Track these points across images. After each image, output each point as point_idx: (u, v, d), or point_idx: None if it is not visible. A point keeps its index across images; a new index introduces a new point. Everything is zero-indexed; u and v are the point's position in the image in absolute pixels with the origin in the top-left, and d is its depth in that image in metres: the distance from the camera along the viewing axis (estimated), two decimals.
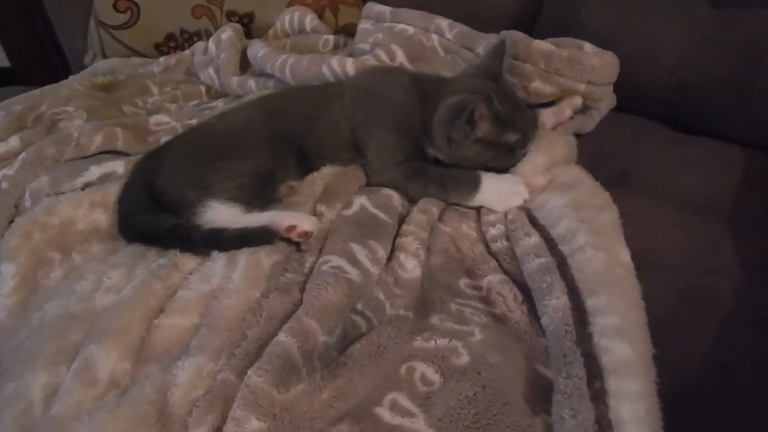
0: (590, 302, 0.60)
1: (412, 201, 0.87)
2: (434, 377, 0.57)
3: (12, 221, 0.90)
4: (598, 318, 0.58)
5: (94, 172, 0.99)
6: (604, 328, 0.57)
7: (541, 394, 0.57)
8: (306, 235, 0.76)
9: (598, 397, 0.53)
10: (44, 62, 2.07)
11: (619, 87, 1.04)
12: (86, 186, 0.95)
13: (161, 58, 1.54)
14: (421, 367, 0.58)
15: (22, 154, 1.04)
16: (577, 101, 1.00)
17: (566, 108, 0.99)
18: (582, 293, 0.61)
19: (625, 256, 0.67)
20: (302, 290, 0.68)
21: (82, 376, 0.61)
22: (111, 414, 0.55)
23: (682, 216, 0.85)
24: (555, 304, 0.61)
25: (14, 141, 1.10)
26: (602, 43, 1.03)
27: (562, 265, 0.67)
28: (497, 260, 0.75)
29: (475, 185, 0.84)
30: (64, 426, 0.56)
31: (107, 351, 0.63)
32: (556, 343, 0.58)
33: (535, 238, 0.72)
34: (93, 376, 0.61)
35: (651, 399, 0.52)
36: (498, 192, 0.83)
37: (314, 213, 0.82)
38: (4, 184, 0.99)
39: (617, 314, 0.58)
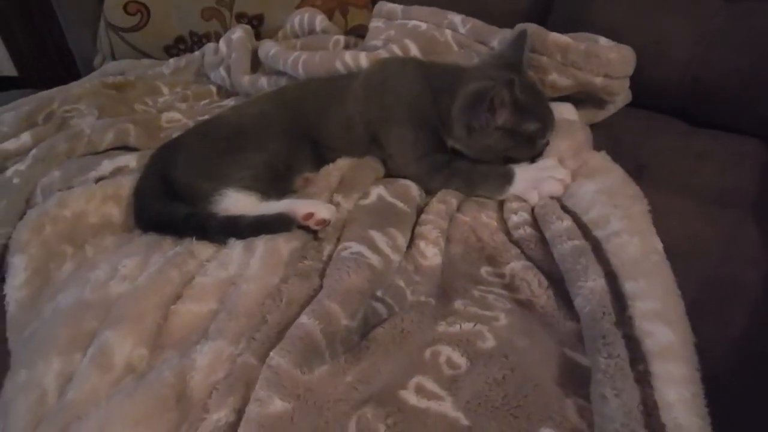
0: (628, 286, 0.58)
1: (430, 193, 0.86)
2: (460, 360, 0.56)
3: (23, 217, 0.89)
4: (637, 302, 0.56)
5: (107, 166, 0.99)
6: (644, 312, 0.55)
7: (571, 378, 0.55)
8: (323, 223, 0.75)
9: (641, 379, 0.51)
10: (51, 71, 2.08)
11: (631, 82, 1.03)
12: (99, 180, 0.95)
13: (171, 60, 1.54)
14: (447, 351, 0.57)
15: (34, 150, 1.04)
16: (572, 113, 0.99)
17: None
18: (619, 278, 0.60)
19: (658, 243, 0.65)
20: (322, 276, 0.66)
21: (98, 362, 0.59)
22: (129, 397, 0.54)
23: (701, 207, 0.84)
24: (591, 285, 0.59)
25: (26, 137, 1.10)
26: (613, 38, 1.02)
27: (596, 250, 0.66)
28: (520, 248, 0.73)
29: (507, 179, 0.82)
30: (79, 411, 0.55)
31: (123, 336, 0.61)
32: (593, 325, 0.56)
33: (567, 222, 0.70)
34: (109, 361, 0.59)
35: (696, 384, 0.50)
36: (533, 181, 0.81)
37: (331, 203, 0.80)
38: (16, 180, 0.99)
39: (657, 299, 0.56)
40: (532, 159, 0.87)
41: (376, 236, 0.71)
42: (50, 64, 2.11)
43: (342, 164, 0.88)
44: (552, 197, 0.79)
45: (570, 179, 0.80)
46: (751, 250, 0.75)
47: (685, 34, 1.08)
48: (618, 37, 1.02)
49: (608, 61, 0.95)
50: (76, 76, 1.82)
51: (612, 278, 0.61)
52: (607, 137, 1.00)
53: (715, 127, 1.05)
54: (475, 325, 0.59)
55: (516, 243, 0.74)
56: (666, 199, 0.84)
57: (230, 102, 1.33)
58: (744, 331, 0.63)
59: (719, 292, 0.68)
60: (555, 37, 0.96)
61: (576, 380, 0.54)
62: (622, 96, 1.04)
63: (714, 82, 1.05)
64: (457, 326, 0.59)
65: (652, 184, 0.88)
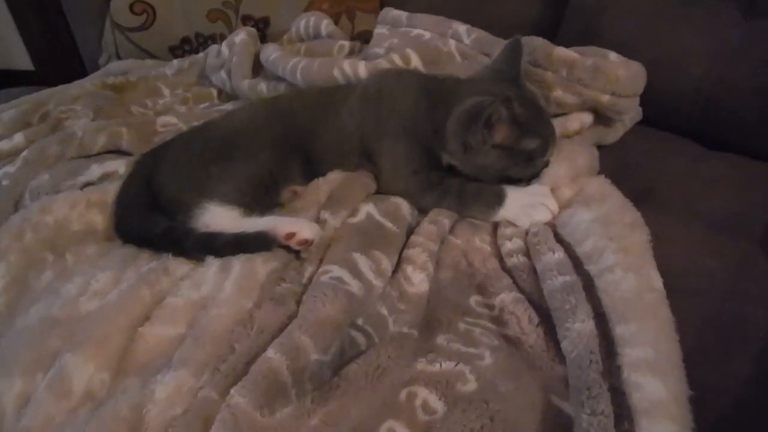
0: (619, 330, 0.54)
1: (423, 212, 0.82)
2: (437, 405, 0.52)
3: None
4: (627, 349, 0.52)
5: (95, 171, 0.96)
6: (634, 360, 0.50)
7: (556, 429, 0.51)
8: (306, 243, 0.71)
9: None
10: (66, 66, 2.07)
11: (643, 99, 0.98)
12: (86, 185, 0.93)
13: (174, 61, 1.52)
14: (423, 393, 0.53)
15: (25, 152, 1.02)
16: (588, 120, 0.94)
17: (574, 121, 0.94)
18: (610, 319, 0.55)
19: (656, 280, 0.61)
20: (298, 302, 0.63)
21: (55, 387, 0.56)
22: None
23: (710, 236, 0.79)
24: (579, 328, 0.55)
25: (18, 138, 1.08)
26: (626, 53, 0.97)
27: (588, 287, 0.61)
28: (512, 277, 0.69)
29: (499, 200, 0.78)
30: None
31: (83, 361, 0.58)
32: (579, 374, 0.51)
33: (559, 254, 0.66)
34: (67, 387, 0.56)
35: None
36: (524, 206, 0.78)
37: (318, 220, 0.77)
38: (5, 182, 0.97)
39: (649, 346, 0.51)
40: (530, 179, 0.82)
41: (360, 260, 0.67)
42: (65, 60, 2.11)
43: (332, 178, 0.84)
44: (546, 224, 0.75)
45: (557, 211, 0.77)
46: (760, 286, 0.70)
47: (702, 49, 1.04)
48: (630, 51, 0.98)
49: (616, 78, 0.90)
50: (87, 73, 1.82)
51: (603, 320, 0.56)
52: (614, 157, 0.96)
53: (729, 150, 1.00)
54: (456, 364, 0.55)
55: (508, 271, 0.70)
56: (671, 226, 0.80)
57: (230, 106, 1.30)
58: (749, 380, 0.59)
59: (723, 334, 0.64)
60: (561, 51, 0.92)
61: None
62: (631, 114, 0.99)
63: (730, 102, 1.01)
64: (437, 365, 0.55)
65: (658, 208, 0.84)
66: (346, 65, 1.05)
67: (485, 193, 0.80)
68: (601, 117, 0.97)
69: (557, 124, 0.92)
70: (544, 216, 0.76)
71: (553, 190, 0.79)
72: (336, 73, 1.05)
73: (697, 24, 1.05)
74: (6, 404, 0.58)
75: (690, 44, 1.05)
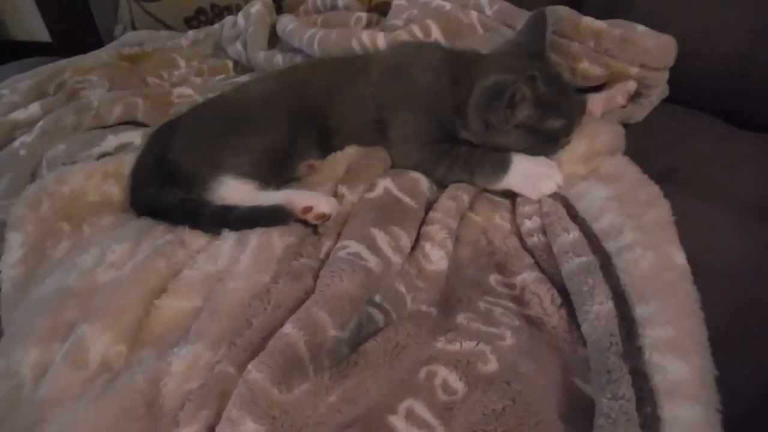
0: (639, 310, 0.52)
1: (439, 184, 0.81)
2: (457, 385, 0.51)
3: None
4: (648, 329, 0.50)
5: (111, 142, 0.96)
6: (655, 341, 0.49)
7: (579, 412, 0.49)
8: (323, 217, 0.70)
9: (649, 424, 0.45)
10: (82, 37, 2.06)
11: (671, 76, 0.95)
12: (102, 156, 0.92)
13: (190, 32, 1.50)
14: (443, 372, 0.52)
15: (41, 122, 1.02)
16: (632, 86, 0.90)
17: (618, 95, 0.90)
18: (629, 299, 0.53)
19: (678, 257, 0.58)
20: (316, 277, 0.62)
21: (72, 358, 0.56)
22: (94, 404, 0.50)
23: (736, 218, 0.76)
24: (598, 310, 0.53)
25: (34, 108, 1.08)
26: (654, 26, 0.93)
27: (605, 265, 0.59)
28: (533, 256, 0.67)
29: (503, 166, 0.77)
30: (45, 411, 0.52)
31: (100, 331, 0.58)
32: (599, 357, 0.50)
33: (574, 234, 0.64)
34: (83, 358, 0.56)
35: (714, 429, 0.44)
36: (529, 175, 0.76)
37: (335, 194, 0.76)
38: (22, 151, 0.97)
39: (670, 325, 0.50)
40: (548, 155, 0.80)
41: (378, 235, 0.65)
42: (81, 31, 2.10)
43: (350, 152, 0.82)
44: (559, 199, 0.73)
45: (561, 183, 0.75)
46: None
47: (735, 23, 0.99)
48: (659, 24, 0.94)
49: (645, 49, 0.86)
50: (104, 45, 1.81)
51: (622, 300, 0.55)
52: (639, 134, 0.93)
53: (759, 130, 0.96)
54: (477, 344, 0.54)
55: (529, 251, 0.68)
56: (697, 206, 0.77)
57: (245, 78, 1.28)
58: None
59: (750, 318, 0.61)
60: (588, 21, 0.88)
61: (585, 416, 0.48)
62: (659, 90, 0.96)
63: (760, 78, 0.96)
64: (458, 344, 0.54)
65: (684, 188, 0.81)
66: (365, 36, 1.02)
67: (491, 159, 0.79)
68: None
69: (599, 100, 0.89)
70: (549, 188, 0.74)
71: (564, 167, 0.77)
72: (354, 43, 1.03)
73: None
74: (24, 373, 0.58)
75: (721, 19, 1.00)
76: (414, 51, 0.91)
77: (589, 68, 0.88)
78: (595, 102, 0.89)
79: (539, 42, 0.85)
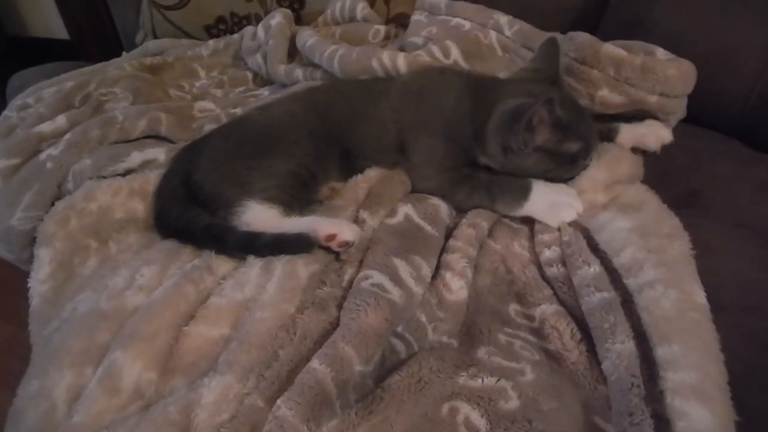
0: (661, 352, 0.53)
1: (458, 210, 0.82)
2: (479, 422, 0.52)
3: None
4: (670, 373, 0.51)
5: (136, 158, 0.97)
6: (678, 386, 0.50)
7: None
8: (346, 245, 0.71)
9: None
10: (101, 37, 2.09)
11: (691, 96, 0.94)
12: (127, 172, 0.94)
13: (210, 41, 1.52)
14: (466, 409, 0.53)
15: (68, 135, 1.04)
16: (666, 137, 0.89)
17: (651, 141, 0.89)
18: (651, 339, 0.54)
19: (699, 295, 0.59)
20: (339, 306, 0.63)
21: (106, 384, 0.58)
22: None
23: (759, 247, 0.76)
24: (619, 349, 0.54)
25: (61, 120, 1.10)
26: (674, 46, 0.93)
27: (626, 301, 0.60)
28: (552, 287, 0.68)
29: (524, 193, 0.78)
30: None
31: (133, 358, 0.60)
32: (621, 398, 0.51)
33: (595, 267, 0.65)
34: (117, 384, 0.58)
35: None
36: (549, 202, 0.77)
37: (356, 219, 0.77)
38: (49, 164, 0.99)
39: (694, 370, 0.50)
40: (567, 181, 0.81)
41: (400, 265, 0.67)
42: (101, 30, 2.13)
43: (371, 175, 0.84)
44: (579, 228, 0.73)
45: (581, 211, 0.76)
46: None
47: (755, 43, 0.99)
48: (680, 45, 0.94)
49: (666, 78, 0.87)
50: (123, 43, 1.83)
51: (643, 338, 0.55)
52: (657, 157, 0.93)
53: None
54: (498, 380, 0.55)
55: (548, 281, 0.69)
56: (717, 234, 0.77)
57: (265, 91, 1.30)
58: None
59: None
60: (608, 49, 0.89)
61: None
62: (678, 114, 0.96)
63: None
64: (479, 380, 0.55)
65: (704, 215, 0.82)
66: (385, 57, 1.03)
67: (512, 186, 0.80)
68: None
69: (631, 136, 0.89)
70: (569, 215, 0.75)
71: (585, 194, 0.78)
72: (375, 64, 1.04)
73: (753, 17, 1.00)
74: (57, 396, 0.60)
75: (744, 39, 1.00)
76: (435, 76, 0.92)
77: (609, 96, 0.89)
78: (626, 136, 0.89)
79: (553, 67, 0.86)
